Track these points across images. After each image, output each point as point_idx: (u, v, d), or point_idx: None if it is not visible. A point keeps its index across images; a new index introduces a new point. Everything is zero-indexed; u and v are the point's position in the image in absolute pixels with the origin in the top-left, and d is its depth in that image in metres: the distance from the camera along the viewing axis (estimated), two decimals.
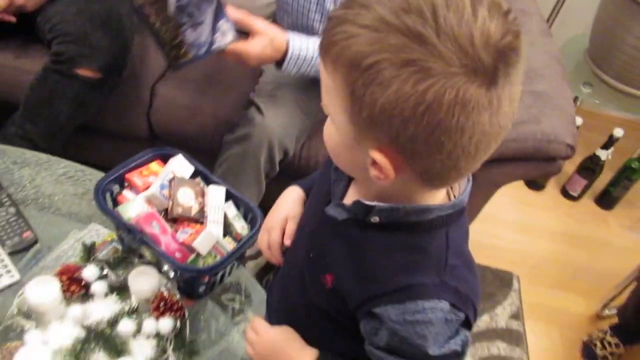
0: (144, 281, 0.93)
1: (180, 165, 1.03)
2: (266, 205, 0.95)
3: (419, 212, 0.59)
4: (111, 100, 1.51)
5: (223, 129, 1.46)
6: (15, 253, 0.99)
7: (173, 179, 0.99)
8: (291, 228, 0.83)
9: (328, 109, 0.56)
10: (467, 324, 0.62)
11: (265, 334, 0.77)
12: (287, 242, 0.82)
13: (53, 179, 1.15)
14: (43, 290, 0.88)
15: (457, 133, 0.49)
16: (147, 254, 0.98)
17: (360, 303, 0.63)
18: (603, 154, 2.14)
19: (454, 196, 0.63)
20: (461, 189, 0.64)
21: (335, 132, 0.57)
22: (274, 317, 0.86)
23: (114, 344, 0.88)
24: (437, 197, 0.61)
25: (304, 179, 0.91)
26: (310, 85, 1.48)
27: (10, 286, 0.94)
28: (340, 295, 0.65)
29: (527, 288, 1.94)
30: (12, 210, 1.04)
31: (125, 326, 0.89)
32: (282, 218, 0.84)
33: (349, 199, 0.69)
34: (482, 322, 1.78)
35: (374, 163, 0.54)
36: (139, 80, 1.56)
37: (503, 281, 1.93)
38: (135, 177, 1.02)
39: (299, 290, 0.76)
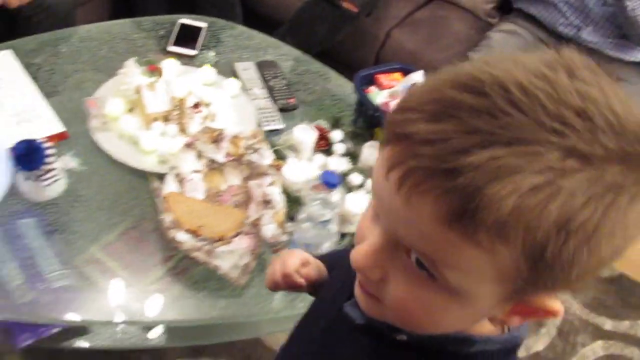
0: (374, 153, 1.20)
1: (420, 78, 1.28)
2: None
3: (458, 341, 0.45)
4: (353, 34, 1.82)
5: None
6: (282, 111, 1.31)
7: (414, 84, 1.24)
8: (310, 273, 0.71)
9: (460, 287, 0.38)
10: None
11: None
12: (302, 281, 0.70)
13: (300, 71, 1.46)
14: (305, 133, 1.19)
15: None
16: (380, 135, 1.25)
17: None
18: None
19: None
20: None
21: (452, 305, 0.40)
22: None
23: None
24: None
25: (324, 255, 0.77)
26: None
27: (275, 130, 1.26)
28: None
29: None
30: (283, 81, 1.37)
31: (355, 178, 1.17)
32: (302, 256, 0.72)
33: None
34: (622, 326, 1.83)
35: (518, 311, 0.42)
36: (380, 22, 1.86)
37: None
38: (382, 78, 1.30)
39: None
